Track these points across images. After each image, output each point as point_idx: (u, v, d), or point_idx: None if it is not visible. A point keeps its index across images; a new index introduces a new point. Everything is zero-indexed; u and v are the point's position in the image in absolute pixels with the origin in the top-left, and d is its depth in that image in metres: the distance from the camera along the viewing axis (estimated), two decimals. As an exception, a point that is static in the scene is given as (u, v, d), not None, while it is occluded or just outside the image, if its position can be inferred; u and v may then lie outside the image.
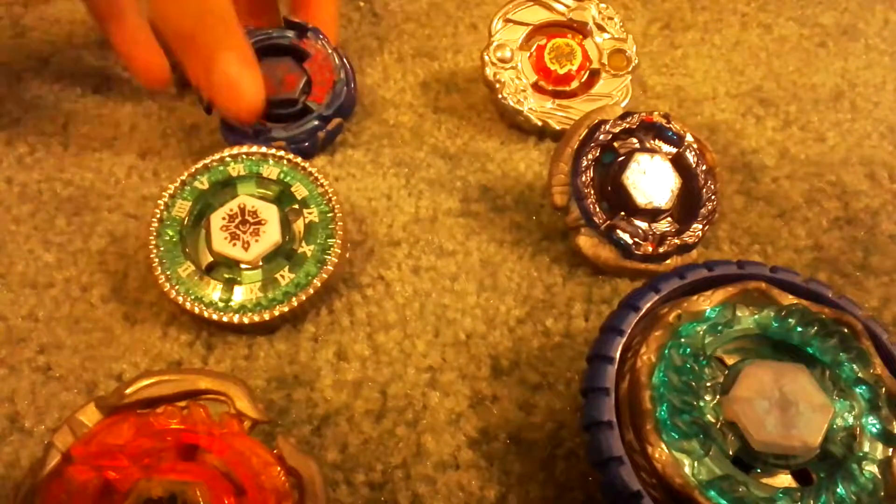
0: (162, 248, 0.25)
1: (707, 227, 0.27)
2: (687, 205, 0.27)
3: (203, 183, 0.26)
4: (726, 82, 0.35)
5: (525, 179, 0.31)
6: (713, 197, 0.27)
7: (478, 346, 0.24)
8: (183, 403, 0.18)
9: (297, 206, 0.26)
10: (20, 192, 0.30)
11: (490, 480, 0.21)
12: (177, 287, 0.24)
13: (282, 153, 0.27)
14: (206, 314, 0.24)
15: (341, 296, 0.26)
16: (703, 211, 0.27)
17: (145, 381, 0.18)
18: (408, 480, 0.21)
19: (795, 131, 0.33)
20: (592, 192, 0.26)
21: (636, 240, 0.26)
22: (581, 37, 0.32)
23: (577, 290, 0.26)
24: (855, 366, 0.19)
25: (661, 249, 0.26)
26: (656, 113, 0.27)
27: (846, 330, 0.19)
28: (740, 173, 0.31)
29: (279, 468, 0.17)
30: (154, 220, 0.25)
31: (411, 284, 0.26)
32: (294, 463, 0.18)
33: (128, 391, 0.18)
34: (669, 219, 0.27)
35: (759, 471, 0.18)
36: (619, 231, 0.26)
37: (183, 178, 0.26)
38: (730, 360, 0.20)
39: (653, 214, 0.26)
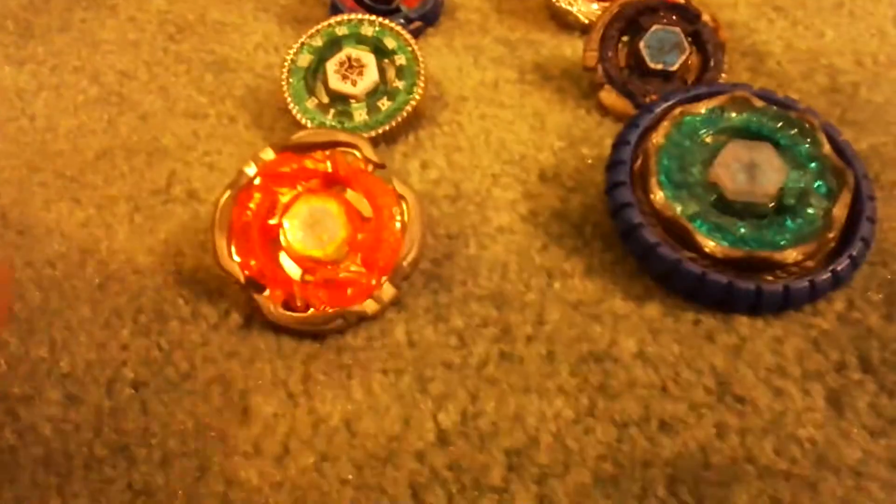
0: (291, 90, 0.33)
1: None
2: (699, 74, 0.34)
3: (318, 41, 0.34)
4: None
5: (570, 59, 0.38)
6: (720, 66, 0.34)
7: (528, 162, 0.32)
8: (329, 151, 0.26)
9: (389, 55, 0.34)
10: (175, 57, 0.38)
11: (536, 238, 0.28)
12: (306, 116, 0.32)
13: (374, 17, 0.34)
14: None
15: (424, 129, 0.34)
16: (707, 76, 0.33)
17: (305, 132, 0.26)
18: (476, 236, 0.28)
19: (801, 30, 0.39)
20: (614, 56, 0.33)
21: (643, 94, 0.33)
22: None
23: (607, 131, 0.33)
24: (810, 147, 0.26)
25: None
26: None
27: (806, 125, 0.26)
28: (750, 58, 0.37)
29: (392, 193, 0.25)
30: (284, 69, 0.34)
31: (478, 124, 0.34)
32: (401, 191, 0.25)
33: (293, 137, 0.26)
34: (680, 82, 0.34)
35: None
36: (630, 87, 0.33)
37: (303, 39, 0.34)
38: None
39: (664, 76, 0.33)
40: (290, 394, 0.23)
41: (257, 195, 0.25)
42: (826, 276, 0.24)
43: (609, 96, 0.34)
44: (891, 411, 0.23)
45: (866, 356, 0.24)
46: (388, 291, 0.25)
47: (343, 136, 0.26)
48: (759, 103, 0.27)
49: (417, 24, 0.39)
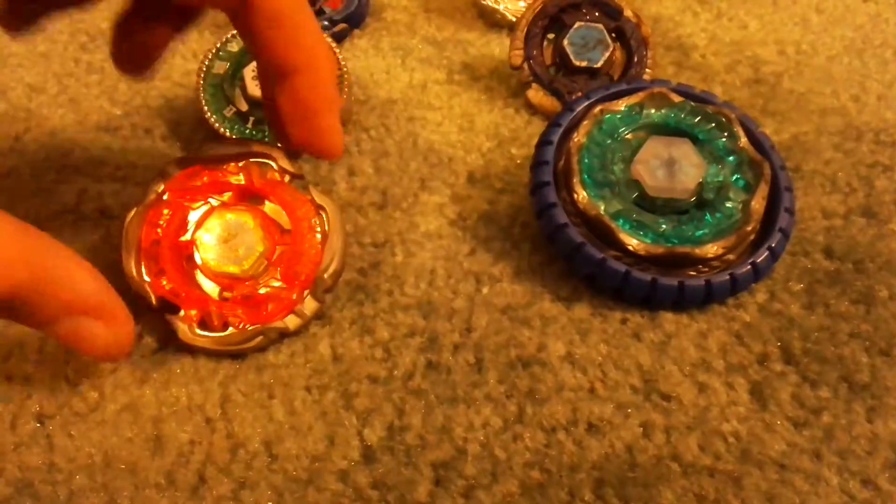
0: (209, 98, 0.32)
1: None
2: (624, 69, 0.34)
3: (234, 47, 0.33)
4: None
5: (498, 58, 0.37)
6: (644, 61, 0.34)
7: (456, 164, 0.31)
8: (242, 163, 0.25)
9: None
10: (87, 67, 0.37)
11: (464, 242, 0.28)
12: (224, 125, 0.31)
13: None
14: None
15: (350, 134, 0.33)
16: (631, 72, 0.33)
17: (214, 144, 0.25)
18: (403, 243, 0.28)
19: (725, 21, 0.40)
20: (539, 54, 0.33)
21: (570, 91, 0.33)
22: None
23: (536, 129, 0.33)
24: (727, 141, 0.26)
25: None
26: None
27: (723, 119, 0.26)
28: (675, 52, 0.38)
29: (310, 204, 0.24)
30: (200, 77, 0.32)
31: (406, 127, 0.33)
32: (320, 201, 0.25)
33: (202, 149, 0.24)
34: (606, 78, 0.34)
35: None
36: (556, 85, 0.33)
37: (218, 45, 0.33)
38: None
39: (590, 73, 0.33)
40: (207, 419, 0.22)
41: (167, 211, 0.24)
42: (746, 268, 0.24)
43: (536, 95, 0.33)
44: (813, 402, 0.23)
45: (788, 347, 0.24)
46: (310, 305, 0.24)
47: (257, 147, 0.25)
48: (677, 99, 0.27)
49: (342, 26, 0.38)
